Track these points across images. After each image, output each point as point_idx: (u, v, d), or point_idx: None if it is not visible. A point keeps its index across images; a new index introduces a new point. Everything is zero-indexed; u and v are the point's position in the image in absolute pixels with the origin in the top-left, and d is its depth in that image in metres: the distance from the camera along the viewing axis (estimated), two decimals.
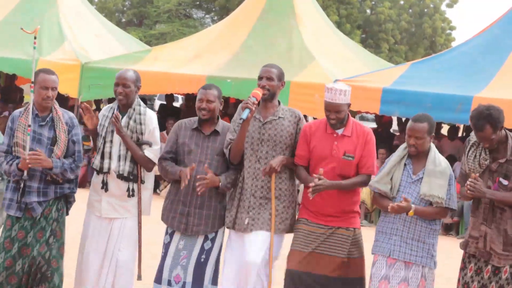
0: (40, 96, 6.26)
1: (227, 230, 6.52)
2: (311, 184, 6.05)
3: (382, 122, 17.08)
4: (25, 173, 6.20)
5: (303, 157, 6.30)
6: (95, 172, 6.58)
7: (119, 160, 6.46)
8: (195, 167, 6.21)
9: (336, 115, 6.18)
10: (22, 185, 6.24)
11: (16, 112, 6.41)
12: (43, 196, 6.27)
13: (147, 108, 6.62)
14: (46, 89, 6.24)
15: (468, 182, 5.84)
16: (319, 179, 6.04)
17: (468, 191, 5.84)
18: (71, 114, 6.44)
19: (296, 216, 6.45)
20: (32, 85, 6.31)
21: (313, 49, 15.77)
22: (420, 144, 6.02)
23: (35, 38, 6.43)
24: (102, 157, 6.47)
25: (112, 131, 6.50)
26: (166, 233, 6.44)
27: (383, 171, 6.12)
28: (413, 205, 5.90)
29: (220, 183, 6.24)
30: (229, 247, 6.40)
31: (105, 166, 6.47)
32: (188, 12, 41.93)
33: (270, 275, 6.28)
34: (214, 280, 6.37)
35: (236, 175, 6.36)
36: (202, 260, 6.30)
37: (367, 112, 15.71)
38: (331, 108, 6.17)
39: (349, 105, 6.23)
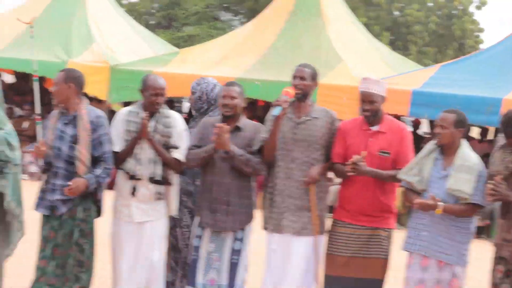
0: None
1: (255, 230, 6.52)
2: (350, 161, 6.00)
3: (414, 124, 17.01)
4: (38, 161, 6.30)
5: (340, 154, 6.27)
6: (123, 177, 6.49)
7: (151, 164, 6.41)
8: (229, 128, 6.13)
9: (370, 106, 6.14)
10: (44, 182, 6.30)
11: (53, 112, 6.47)
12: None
13: (171, 110, 6.60)
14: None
15: (490, 186, 5.78)
16: (359, 160, 5.99)
17: (490, 194, 5.78)
18: (98, 113, 6.38)
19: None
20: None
21: (341, 51, 15.71)
22: (444, 135, 5.97)
23: (31, 27, 6.52)
24: (135, 163, 6.43)
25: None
26: (195, 236, 6.40)
27: (411, 162, 6.11)
28: (441, 203, 5.85)
29: (231, 149, 6.14)
30: (270, 250, 6.38)
31: (137, 172, 6.43)
32: (216, 14, 42.01)
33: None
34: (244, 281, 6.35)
35: (253, 159, 6.20)
36: (234, 261, 6.28)
37: (395, 115, 15.60)
38: (365, 98, 6.14)
39: (383, 98, 6.18)
